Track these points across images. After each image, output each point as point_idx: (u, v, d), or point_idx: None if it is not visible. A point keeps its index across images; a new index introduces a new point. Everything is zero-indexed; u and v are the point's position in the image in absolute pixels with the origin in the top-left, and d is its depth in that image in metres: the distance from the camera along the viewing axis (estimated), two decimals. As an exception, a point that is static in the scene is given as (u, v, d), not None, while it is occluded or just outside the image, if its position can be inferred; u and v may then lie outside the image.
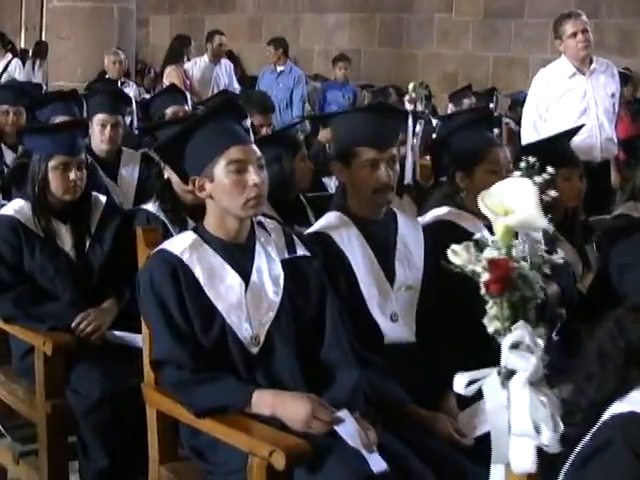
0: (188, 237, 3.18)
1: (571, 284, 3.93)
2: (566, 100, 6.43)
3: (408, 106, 10.78)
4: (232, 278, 3.12)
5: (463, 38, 13.10)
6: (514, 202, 2.09)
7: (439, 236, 3.67)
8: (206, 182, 3.12)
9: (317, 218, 4.81)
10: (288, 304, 3.14)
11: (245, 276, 3.13)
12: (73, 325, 3.97)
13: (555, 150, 4.29)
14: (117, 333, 4.04)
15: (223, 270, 3.12)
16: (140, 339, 3.93)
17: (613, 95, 6.59)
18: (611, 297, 3.38)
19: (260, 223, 3.24)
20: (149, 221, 4.19)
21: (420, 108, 10.92)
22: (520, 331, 2.14)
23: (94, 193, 4.32)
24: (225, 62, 10.33)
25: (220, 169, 3.08)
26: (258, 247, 3.19)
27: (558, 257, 2.20)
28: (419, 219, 3.87)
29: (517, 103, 10.17)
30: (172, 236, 4.06)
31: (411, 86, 11.26)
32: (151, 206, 4.24)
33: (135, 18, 10.09)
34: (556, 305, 3.79)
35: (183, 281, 3.08)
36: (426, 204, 4.03)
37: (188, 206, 4.20)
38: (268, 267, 3.17)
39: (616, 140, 6.60)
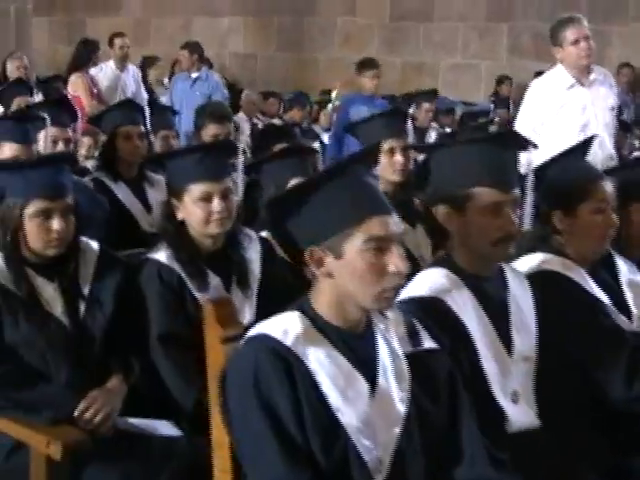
0: (296, 321, 2.37)
1: None
2: (564, 114, 5.79)
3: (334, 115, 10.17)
4: (358, 383, 2.36)
5: (368, 42, 12.46)
6: None
7: (547, 291, 3.03)
8: (328, 257, 2.33)
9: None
10: (415, 413, 2.42)
11: (369, 378, 2.38)
12: (76, 414, 3.07)
13: None
14: (132, 421, 3.17)
15: (347, 372, 2.35)
16: (162, 426, 3.13)
17: (613, 108, 6.01)
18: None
19: None
20: (161, 275, 3.35)
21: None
22: None
23: (83, 238, 3.39)
24: (132, 68, 9.43)
25: (354, 245, 2.30)
26: (379, 338, 2.44)
27: None
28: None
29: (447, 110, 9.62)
30: (190, 294, 3.30)
31: (334, 93, 10.62)
32: (162, 255, 3.37)
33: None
34: None
35: (300, 383, 2.29)
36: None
37: (207, 254, 3.39)
38: (393, 365, 2.42)
39: (616, 157, 6.01)
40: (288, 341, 2.31)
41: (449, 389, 2.52)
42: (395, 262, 2.30)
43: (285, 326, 2.35)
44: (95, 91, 8.55)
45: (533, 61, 11.57)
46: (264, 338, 2.32)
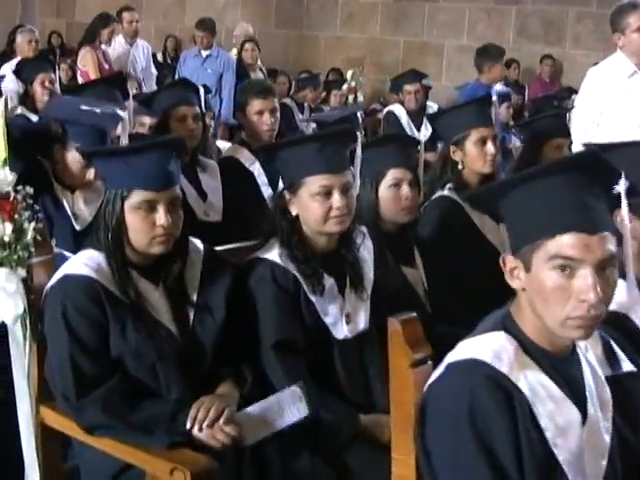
0: (505, 343, 2.09)
1: None
2: (625, 103, 5.46)
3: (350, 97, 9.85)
4: (571, 413, 2.09)
5: (370, 21, 12.13)
6: None
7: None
8: (520, 269, 2.07)
9: (423, 256, 3.79)
10: (617, 443, 2.16)
11: (579, 406, 2.11)
12: (189, 425, 2.73)
13: None
14: (251, 409, 2.83)
15: (560, 401, 2.08)
16: (287, 401, 2.85)
17: (676, 97, 5.67)
18: None
19: None
20: (275, 276, 3.03)
21: (361, 99, 9.98)
22: None
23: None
24: (142, 43, 9.05)
25: (540, 259, 2.01)
26: (583, 361, 2.17)
27: None
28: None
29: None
30: (305, 296, 3.00)
31: (349, 73, 10.27)
32: (275, 254, 3.05)
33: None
34: None
35: (520, 415, 2.01)
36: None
37: (321, 254, 3.08)
38: (597, 391, 2.16)
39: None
40: (504, 367, 2.03)
41: None
42: (582, 288, 1.98)
43: (495, 349, 2.06)
44: (107, 67, 8.14)
45: (542, 44, 11.33)
46: (475, 364, 2.04)
